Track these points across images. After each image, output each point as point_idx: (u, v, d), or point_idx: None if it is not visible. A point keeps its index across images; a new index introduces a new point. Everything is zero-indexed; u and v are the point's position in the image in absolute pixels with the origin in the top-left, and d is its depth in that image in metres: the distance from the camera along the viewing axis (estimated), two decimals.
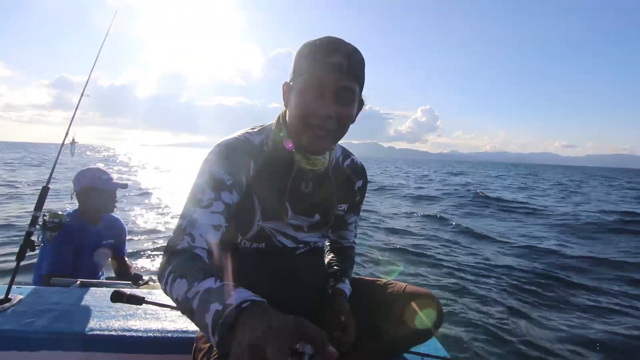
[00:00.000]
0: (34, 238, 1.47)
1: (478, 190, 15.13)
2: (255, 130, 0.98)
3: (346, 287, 1.08)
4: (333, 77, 0.82)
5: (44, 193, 1.52)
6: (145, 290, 1.43)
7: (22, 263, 1.43)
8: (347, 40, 0.85)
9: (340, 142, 1.09)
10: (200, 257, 0.75)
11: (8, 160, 26.19)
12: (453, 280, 4.32)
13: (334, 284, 1.07)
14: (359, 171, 1.10)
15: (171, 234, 0.82)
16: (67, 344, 1.17)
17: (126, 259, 2.41)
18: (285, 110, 0.96)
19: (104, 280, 2.10)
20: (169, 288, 0.70)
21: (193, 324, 0.64)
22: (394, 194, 14.32)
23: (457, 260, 5.20)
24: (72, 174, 2.12)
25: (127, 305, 1.28)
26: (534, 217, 9.78)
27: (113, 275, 2.45)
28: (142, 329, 1.21)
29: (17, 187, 10.59)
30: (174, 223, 6.86)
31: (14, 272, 1.41)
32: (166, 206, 8.86)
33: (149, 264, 4.55)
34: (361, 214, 1.27)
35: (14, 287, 1.39)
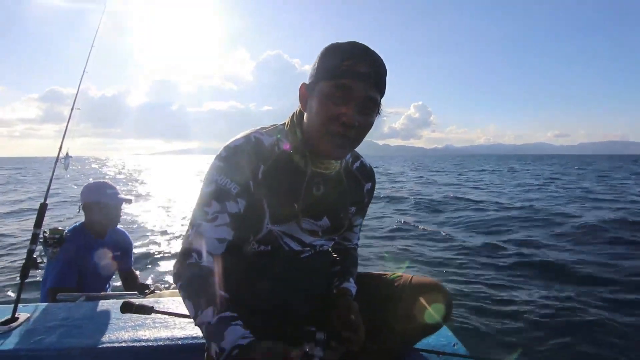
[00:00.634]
0: (36, 255, 1.47)
1: None
2: (267, 130, 0.96)
3: (351, 285, 1.06)
4: (361, 86, 0.81)
5: (42, 210, 1.51)
6: (152, 299, 1.43)
7: (27, 280, 1.43)
8: (344, 39, 0.84)
9: None
10: (206, 275, 0.82)
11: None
12: (457, 269, 4.33)
13: (339, 284, 1.06)
14: (367, 173, 1.09)
15: (180, 240, 0.84)
16: (78, 359, 1.17)
17: (133, 269, 2.41)
18: (299, 111, 0.94)
19: (110, 293, 2.10)
20: (182, 300, 0.82)
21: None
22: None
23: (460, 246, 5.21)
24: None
25: (135, 316, 1.28)
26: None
27: (119, 285, 2.45)
28: (152, 338, 1.21)
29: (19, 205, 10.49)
30: (176, 229, 6.87)
31: (18, 291, 1.41)
32: (168, 210, 8.84)
33: (154, 272, 4.55)
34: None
35: (20, 305, 1.39)
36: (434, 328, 1.02)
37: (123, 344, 1.18)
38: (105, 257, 2.13)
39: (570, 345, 2.64)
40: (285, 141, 0.94)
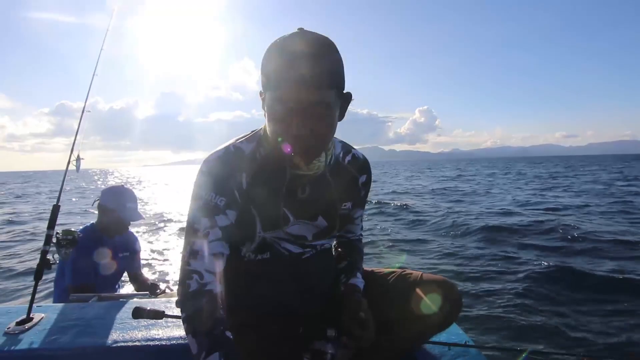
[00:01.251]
0: (49, 256, 1.49)
1: None
2: (246, 137, 0.94)
3: (359, 281, 1.05)
4: (297, 95, 0.74)
5: (55, 211, 1.53)
6: (164, 299, 1.45)
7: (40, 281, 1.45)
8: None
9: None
10: (210, 310, 0.79)
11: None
12: (464, 266, 4.31)
13: (346, 280, 1.05)
14: (361, 165, 1.05)
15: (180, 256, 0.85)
16: (92, 358, 1.18)
17: (142, 270, 2.44)
18: None
19: (122, 293, 2.13)
20: (185, 332, 0.80)
21: None
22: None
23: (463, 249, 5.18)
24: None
25: None
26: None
27: (130, 286, 2.49)
28: (164, 337, 1.22)
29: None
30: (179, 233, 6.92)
31: (33, 291, 1.43)
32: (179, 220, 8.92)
33: (164, 274, 4.60)
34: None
35: (34, 306, 1.41)
36: (444, 325, 1.02)
37: (136, 344, 1.19)
38: (114, 257, 2.17)
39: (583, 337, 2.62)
40: (263, 147, 0.91)
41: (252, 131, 0.96)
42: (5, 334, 1.27)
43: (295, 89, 0.73)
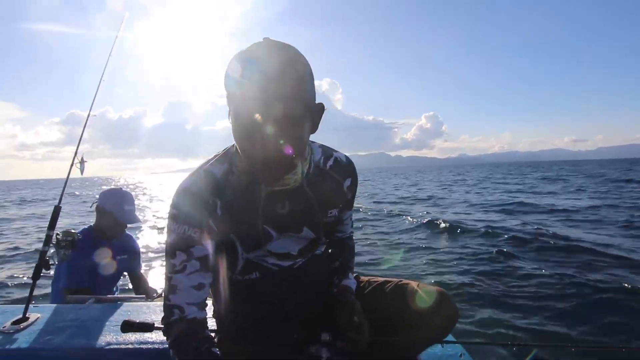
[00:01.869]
0: (48, 257, 1.50)
1: None
2: (217, 158, 0.90)
3: (351, 281, 1.04)
4: (260, 108, 0.69)
5: (56, 212, 1.54)
6: (160, 303, 1.44)
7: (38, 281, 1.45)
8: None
9: (347, 154, 1.04)
10: (192, 333, 0.83)
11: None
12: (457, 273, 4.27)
13: (339, 281, 1.04)
14: (344, 169, 1.00)
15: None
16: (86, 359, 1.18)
17: (141, 272, 2.44)
18: None
19: (119, 296, 2.12)
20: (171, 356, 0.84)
21: None
22: None
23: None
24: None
25: None
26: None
27: (127, 288, 2.48)
28: (157, 341, 1.22)
29: None
30: None
31: (30, 291, 1.44)
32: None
33: (161, 277, 4.59)
34: None
35: (31, 306, 1.41)
36: (440, 337, 1.01)
37: (130, 346, 1.19)
38: (112, 260, 2.16)
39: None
40: (236, 166, 0.88)
41: (225, 149, 0.92)
42: (0, 332, 1.27)
43: (258, 103, 0.69)
